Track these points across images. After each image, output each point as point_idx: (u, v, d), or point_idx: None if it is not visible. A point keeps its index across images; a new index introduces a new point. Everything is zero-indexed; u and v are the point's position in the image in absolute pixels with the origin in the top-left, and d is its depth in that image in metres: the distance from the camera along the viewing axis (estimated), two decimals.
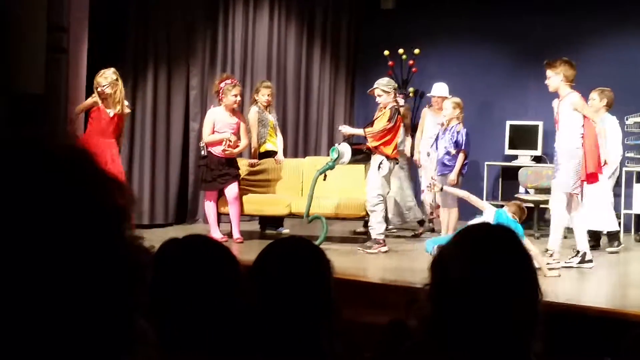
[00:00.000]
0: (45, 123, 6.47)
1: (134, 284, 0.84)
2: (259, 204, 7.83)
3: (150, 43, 8.69)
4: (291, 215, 7.84)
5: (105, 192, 0.83)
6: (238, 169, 7.63)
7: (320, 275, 1.97)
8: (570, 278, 6.09)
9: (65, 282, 0.78)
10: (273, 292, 1.89)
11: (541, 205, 8.90)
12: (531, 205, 8.92)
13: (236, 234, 7.45)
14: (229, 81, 7.50)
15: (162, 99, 8.80)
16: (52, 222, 0.78)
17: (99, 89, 6.84)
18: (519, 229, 5.85)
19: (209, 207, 7.56)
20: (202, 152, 7.54)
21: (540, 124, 9.83)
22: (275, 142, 8.29)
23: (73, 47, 6.96)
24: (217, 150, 7.42)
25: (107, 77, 6.86)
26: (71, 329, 0.78)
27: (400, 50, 9.27)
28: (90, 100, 6.89)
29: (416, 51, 9.24)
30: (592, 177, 6.57)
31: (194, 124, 8.99)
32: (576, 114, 6.48)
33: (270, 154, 8.23)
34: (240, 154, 7.94)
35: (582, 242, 6.46)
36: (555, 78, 6.49)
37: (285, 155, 8.54)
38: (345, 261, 6.26)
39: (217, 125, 7.49)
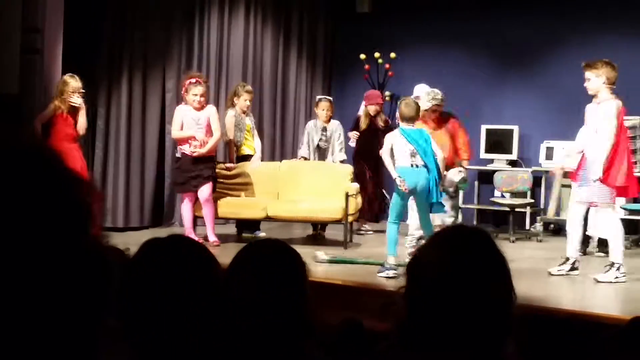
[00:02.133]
0: (19, 124, 6.42)
1: (100, 282, 0.84)
2: (235, 207, 7.80)
3: (126, 45, 8.65)
4: (267, 218, 7.82)
5: (69, 190, 0.83)
6: (212, 168, 7.54)
7: (296, 278, 1.97)
8: (553, 283, 6.14)
9: (28, 279, 0.77)
10: (249, 294, 1.89)
11: (516, 209, 8.96)
12: (507, 209, 8.99)
13: (212, 237, 7.38)
14: (193, 80, 7.38)
15: (137, 101, 8.75)
16: (15, 219, 0.77)
17: (75, 97, 6.89)
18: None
19: (185, 210, 7.50)
20: (177, 154, 7.50)
21: (515, 128, 9.90)
22: (252, 146, 8.28)
23: (48, 48, 6.92)
24: (187, 150, 7.35)
25: (79, 84, 6.96)
26: (34, 326, 0.77)
27: (377, 54, 9.29)
28: (54, 105, 6.86)
29: (392, 55, 9.27)
30: (623, 190, 6.22)
31: (169, 127, 8.96)
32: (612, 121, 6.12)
33: (247, 157, 8.22)
34: (215, 150, 7.81)
35: (573, 250, 6.35)
36: (597, 80, 6.11)
37: (262, 158, 8.53)
38: (321, 264, 6.27)
39: (185, 123, 7.38)
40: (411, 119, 6.29)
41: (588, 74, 6.18)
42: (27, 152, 0.83)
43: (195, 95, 7.28)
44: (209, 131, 7.41)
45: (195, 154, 7.30)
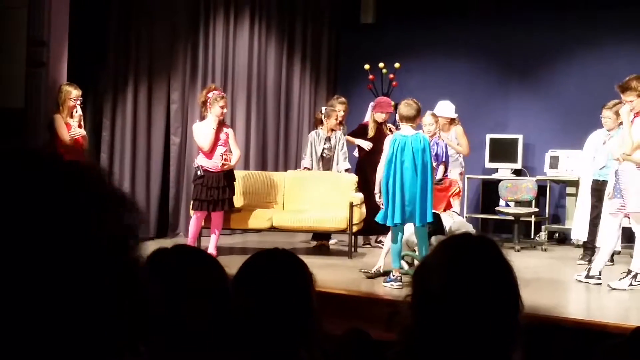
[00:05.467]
0: (24, 138, 6.43)
1: (133, 303, 0.84)
2: (241, 217, 7.79)
3: (131, 57, 8.68)
4: (272, 228, 7.83)
5: (116, 213, 0.83)
6: (234, 186, 7.49)
7: (303, 288, 1.97)
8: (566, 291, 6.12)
9: (71, 299, 0.77)
10: (254, 302, 1.89)
11: (521, 218, 8.95)
12: (511, 218, 8.98)
13: (211, 249, 7.19)
14: (216, 92, 7.34)
15: (142, 112, 8.78)
16: (64, 242, 0.77)
17: (77, 102, 6.85)
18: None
19: (194, 225, 7.37)
20: (199, 172, 7.29)
21: (520, 137, 9.91)
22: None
23: (53, 61, 6.93)
24: (211, 165, 7.26)
25: (79, 91, 6.93)
26: (67, 336, 0.78)
27: (381, 64, 9.29)
28: (58, 118, 6.81)
29: (396, 65, 9.27)
30: None
31: (174, 138, 8.98)
32: None
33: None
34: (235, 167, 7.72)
35: (602, 263, 6.30)
36: (639, 101, 6.07)
37: (265, 168, 8.53)
38: (326, 274, 6.26)
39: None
40: (409, 119, 6.18)
41: (629, 97, 6.09)
42: (75, 172, 0.82)
43: (222, 107, 7.29)
44: (227, 147, 7.39)
45: (225, 167, 7.27)
